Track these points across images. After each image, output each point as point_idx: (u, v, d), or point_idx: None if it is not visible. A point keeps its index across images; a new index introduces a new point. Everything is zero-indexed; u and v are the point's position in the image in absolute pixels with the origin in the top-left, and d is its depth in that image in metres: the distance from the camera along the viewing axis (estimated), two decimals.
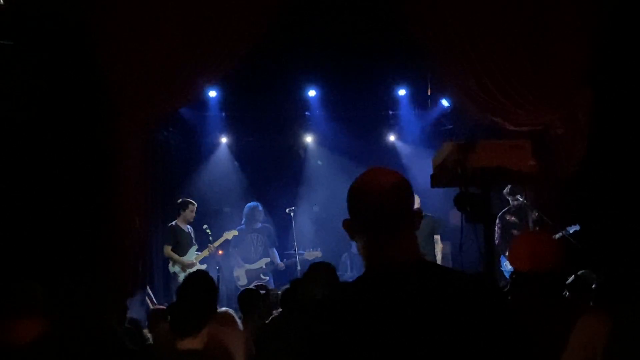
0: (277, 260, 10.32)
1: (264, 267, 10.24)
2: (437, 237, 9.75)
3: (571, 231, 8.01)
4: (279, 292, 6.36)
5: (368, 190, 2.17)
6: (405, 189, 2.20)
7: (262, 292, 6.58)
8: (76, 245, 7.49)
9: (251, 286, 9.40)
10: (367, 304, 1.99)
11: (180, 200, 10.01)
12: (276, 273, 10.38)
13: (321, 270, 4.39)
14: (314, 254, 10.13)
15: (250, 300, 6.17)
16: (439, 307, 1.94)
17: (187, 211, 9.88)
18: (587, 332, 2.94)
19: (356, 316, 1.98)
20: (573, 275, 5.06)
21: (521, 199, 8.92)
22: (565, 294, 4.55)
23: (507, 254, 8.45)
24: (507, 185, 8.67)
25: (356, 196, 2.19)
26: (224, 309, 5.14)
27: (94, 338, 3.88)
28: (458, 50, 8.80)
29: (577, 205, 8.21)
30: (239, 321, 5.08)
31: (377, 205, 2.12)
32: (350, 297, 2.07)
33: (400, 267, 2.06)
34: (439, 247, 9.75)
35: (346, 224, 2.22)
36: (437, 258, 9.72)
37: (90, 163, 7.88)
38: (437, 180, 3.76)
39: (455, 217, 9.05)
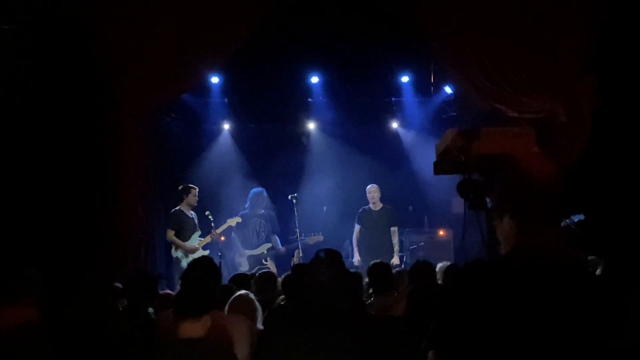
0: (279, 245, 10.35)
1: (266, 252, 10.25)
2: (395, 229, 10.17)
3: (575, 220, 7.99)
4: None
5: (536, 177, 2.27)
6: (560, 182, 2.31)
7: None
8: (78, 232, 7.48)
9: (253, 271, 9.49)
10: (516, 283, 2.08)
11: (181, 186, 10.00)
12: (277, 258, 10.39)
13: (328, 256, 4.37)
14: (315, 238, 10.18)
15: (263, 285, 6.15)
16: (568, 296, 2.06)
17: (190, 196, 9.88)
18: None
19: (505, 291, 2.06)
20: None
21: None
22: None
23: None
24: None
25: (524, 181, 2.28)
26: (243, 291, 5.12)
27: (94, 325, 3.87)
28: (461, 37, 8.76)
29: (581, 193, 8.18)
30: (258, 305, 5.05)
31: (545, 194, 2.23)
32: (498, 273, 2.15)
33: (542, 253, 2.17)
34: (395, 239, 10.17)
35: (494, 207, 2.33)
36: (395, 249, 10.10)
37: (91, 150, 7.87)
38: (440, 167, 3.74)
39: (458, 205, 9.05)
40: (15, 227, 6.88)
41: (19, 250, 6.51)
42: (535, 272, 2.09)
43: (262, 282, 6.21)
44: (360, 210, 10.41)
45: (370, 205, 10.36)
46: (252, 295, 5.10)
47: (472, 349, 2.03)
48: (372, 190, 10.35)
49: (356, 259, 10.19)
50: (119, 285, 5.66)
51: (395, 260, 9.98)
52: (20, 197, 7.13)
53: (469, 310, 2.06)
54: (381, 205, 10.34)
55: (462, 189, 3.28)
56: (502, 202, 2.30)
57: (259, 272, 6.64)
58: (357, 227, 10.37)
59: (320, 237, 10.23)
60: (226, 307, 4.89)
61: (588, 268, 2.19)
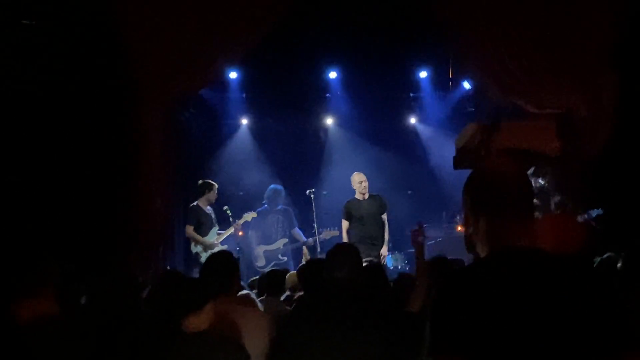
0: (303, 238, 10.27)
1: (282, 247, 10.26)
2: (384, 217, 9.77)
3: (594, 215, 7.95)
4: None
5: (498, 176, 2.29)
6: (526, 177, 2.33)
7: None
8: (98, 226, 7.52)
9: (268, 268, 9.50)
10: (497, 284, 2.08)
11: (202, 181, 10.01)
12: (296, 254, 10.37)
13: (345, 251, 4.37)
14: (331, 233, 10.12)
15: (274, 281, 6.16)
16: (559, 290, 2.06)
17: (212, 192, 9.89)
18: None
19: (488, 293, 2.06)
20: (598, 259, 5.01)
21: (543, 182, 8.84)
22: None
23: None
24: (530, 167, 8.61)
25: (485, 181, 2.30)
26: (244, 292, 5.14)
27: (113, 318, 3.89)
28: (480, 32, 8.71)
29: (601, 188, 8.13)
30: (259, 304, 5.07)
31: (507, 191, 2.24)
32: (481, 275, 2.14)
33: (523, 251, 2.17)
34: (386, 228, 9.76)
35: (469, 209, 2.31)
36: (385, 239, 9.74)
37: (112, 145, 7.91)
38: (460, 161, 3.75)
39: None
40: (36, 220, 6.93)
41: (39, 243, 6.55)
42: (520, 269, 2.09)
43: (264, 281, 6.20)
44: (345, 204, 9.87)
45: (358, 195, 9.82)
46: (252, 295, 5.12)
47: (477, 352, 2.03)
48: (365, 179, 9.82)
49: None
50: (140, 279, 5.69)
51: (384, 251, 9.64)
52: (42, 191, 7.18)
53: (465, 313, 2.04)
54: (368, 194, 9.83)
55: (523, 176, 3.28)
56: (476, 204, 2.29)
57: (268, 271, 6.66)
58: (344, 224, 9.80)
59: (336, 232, 10.14)
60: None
61: (576, 263, 2.18)
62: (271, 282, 6.09)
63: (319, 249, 9.92)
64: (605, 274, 2.19)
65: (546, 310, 2.03)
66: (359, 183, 9.80)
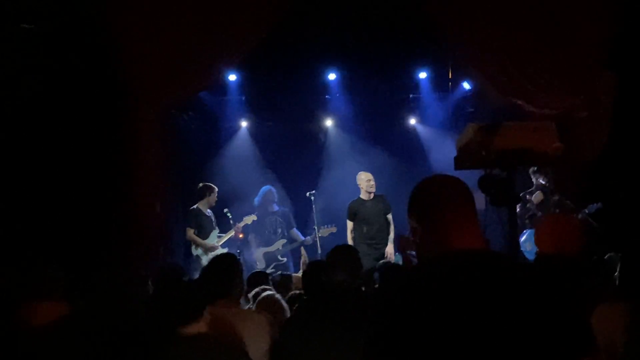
0: (301, 237, 10.27)
1: (281, 248, 10.25)
2: (390, 217, 9.73)
3: (593, 210, 7.96)
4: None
5: (434, 184, 2.39)
6: (463, 183, 2.39)
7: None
8: (97, 230, 7.51)
9: (268, 270, 9.50)
10: (439, 287, 2.05)
11: (203, 184, 10.01)
12: (295, 255, 10.35)
13: (344, 254, 4.37)
14: (329, 230, 10.12)
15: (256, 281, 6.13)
16: (505, 293, 2.02)
17: (212, 195, 9.91)
18: (603, 324, 2.90)
19: (430, 297, 2.04)
20: (597, 259, 5.01)
21: (543, 182, 8.85)
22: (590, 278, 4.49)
23: (526, 235, 8.45)
24: (531, 167, 8.61)
25: (423, 189, 2.38)
26: (270, 292, 5.11)
27: (115, 322, 3.88)
28: (479, 33, 8.71)
29: (600, 188, 8.14)
30: (284, 304, 5.04)
31: (446, 197, 2.30)
32: (419, 277, 2.15)
33: (466, 254, 2.18)
34: (392, 227, 9.72)
35: (413, 218, 2.37)
36: (390, 237, 9.68)
37: (110, 148, 7.90)
38: (460, 162, 3.73)
39: (478, 200, 8.99)
40: (33, 223, 6.92)
41: (37, 247, 6.55)
42: (460, 271, 2.08)
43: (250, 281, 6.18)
44: (350, 204, 9.83)
45: (363, 194, 9.79)
46: (278, 295, 5.10)
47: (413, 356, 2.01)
48: (372, 178, 9.80)
49: None
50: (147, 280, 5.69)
51: (389, 249, 9.61)
52: (40, 196, 7.17)
53: (399, 314, 2.03)
54: (373, 195, 9.79)
55: (483, 184, 3.27)
56: (419, 213, 2.34)
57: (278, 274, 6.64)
58: (349, 224, 9.78)
59: (334, 229, 10.15)
60: (253, 306, 4.90)
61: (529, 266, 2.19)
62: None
63: (319, 250, 9.90)
64: (556, 276, 2.15)
65: (488, 313, 1.98)
66: (367, 181, 9.75)
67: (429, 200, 2.32)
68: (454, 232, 2.23)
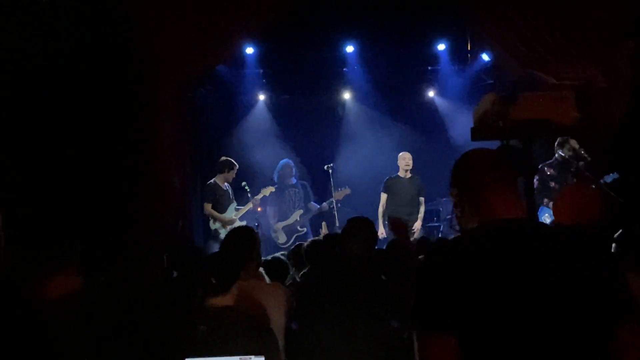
0: (316, 207, 10.35)
1: (299, 219, 10.26)
2: (422, 199, 10.08)
3: (610, 180, 7.90)
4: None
5: (475, 157, 2.46)
6: (503, 156, 2.48)
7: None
8: (116, 204, 7.55)
9: (290, 242, 9.54)
10: (488, 253, 2.12)
11: (224, 159, 9.97)
12: (313, 225, 10.37)
13: (360, 225, 4.37)
14: (343, 192, 10.14)
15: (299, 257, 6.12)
16: (547, 260, 2.09)
17: (232, 172, 9.88)
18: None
19: (480, 263, 2.10)
20: (621, 230, 4.96)
21: (564, 154, 8.77)
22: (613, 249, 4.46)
23: (545, 205, 8.40)
24: (547, 137, 8.55)
25: (464, 163, 2.45)
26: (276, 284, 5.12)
27: (134, 295, 3.91)
28: (499, 4, 8.65)
29: (619, 159, 8.08)
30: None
31: (487, 169, 2.37)
32: (470, 246, 2.20)
33: (508, 223, 2.24)
34: (422, 207, 10.07)
35: (455, 190, 2.45)
36: (420, 216, 9.98)
37: (128, 122, 7.92)
38: (477, 133, 3.68)
39: None
40: (54, 197, 6.97)
41: (59, 222, 6.59)
42: (505, 240, 2.14)
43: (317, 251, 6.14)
44: (387, 179, 10.17)
45: (401, 172, 10.11)
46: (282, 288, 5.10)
47: (471, 321, 2.03)
48: (407, 157, 10.11)
49: (381, 231, 9.62)
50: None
51: (417, 225, 9.83)
52: (59, 170, 7.21)
53: (448, 284, 2.07)
54: (410, 174, 10.13)
55: (500, 155, 3.23)
56: (460, 185, 2.42)
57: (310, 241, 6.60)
58: (384, 197, 10.12)
59: (348, 190, 10.18)
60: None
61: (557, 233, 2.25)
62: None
63: (337, 222, 9.91)
64: (599, 244, 2.18)
65: (535, 280, 2.04)
66: (402, 160, 10.12)
67: (470, 173, 2.38)
68: (495, 203, 2.28)
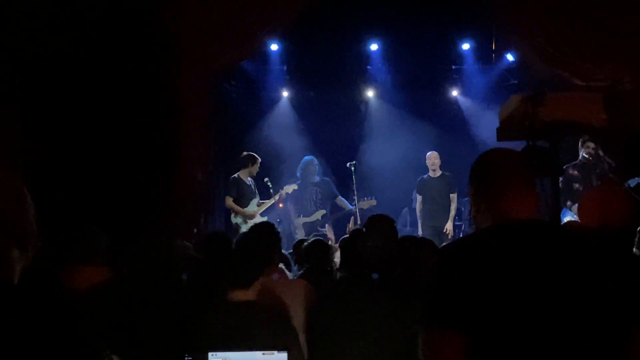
0: (349, 206, 10.28)
1: (320, 219, 10.26)
2: (454, 196, 10.15)
3: (633, 185, 7.84)
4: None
5: (494, 157, 2.44)
6: (523, 156, 2.47)
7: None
8: (140, 196, 7.60)
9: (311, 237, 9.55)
10: (500, 252, 2.13)
11: (247, 153, 9.99)
12: (337, 225, 10.39)
13: (380, 222, 4.38)
14: (368, 203, 10.12)
15: (314, 251, 6.17)
16: (561, 261, 2.09)
17: (255, 166, 9.87)
18: None
19: (492, 261, 2.12)
20: None
21: (587, 155, 8.70)
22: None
23: (567, 208, 8.36)
24: (574, 138, 8.52)
25: (483, 162, 2.44)
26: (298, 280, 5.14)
27: (158, 287, 3.94)
28: (525, 3, 8.60)
29: None
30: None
31: (504, 168, 2.37)
32: (483, 245, 2.21)
33: (522, 224, 2.24)
34: (453, 205, 10.16)
35: (472, 188, 2.45)
36: (451, 215, 10.10)
37: (154, 116, 7.96)
38: (503, 133, 3.69)
39: None
40: (81, 189, 7.02)
41: (83, 213, 6.65)
42: (521, 240, 2.15)
43: (316, 250, 6.22)
44: (418, 179, 10.35)
45: (430, 172, 10.25)
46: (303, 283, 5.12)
47: (481, 322, 2.04)
48: (432, 157, 10.23)
49: (420, 231, 10.12)
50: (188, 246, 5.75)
51: (448, 226, 10.00)
52: (86, 162, 7.27)
53: (462, 283, 2.08)
54: (440, 172, 10.23)
55: (527, 155, 3.23)
56: (477, 185, 2.41)
57: (313, 238, 6.65)
58: (419, 198, 10.36)
59: (374, 202, 10.15)
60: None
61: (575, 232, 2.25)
62: (315, 252, 6.11)
63: (358, 220, 9.92)
64: (617, 246, 2.18)
65: (546, 281, 2.04)
66: (427, 160, 10.29)
67: (488, 173, 2.38)
68: (511, 203, 2.28)
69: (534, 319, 2.01)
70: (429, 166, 10.24)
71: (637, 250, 4.58)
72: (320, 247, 5.47)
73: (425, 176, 10.32)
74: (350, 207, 10.21)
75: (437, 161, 10.21)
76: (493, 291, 2.04)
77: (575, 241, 2.17)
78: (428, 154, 10.31)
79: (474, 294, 2.04)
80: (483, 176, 2.40)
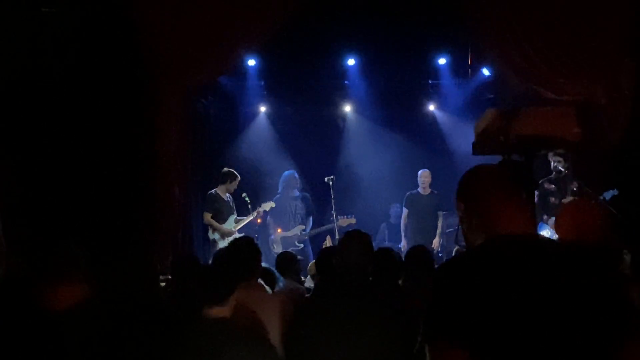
0: (309, 228, 10.43)
1: (299, 234, 10.27)
2: (441, 213, 10.49)
3: (609, 197, 7.90)
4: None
5: (486, 172, 2.44)
6: (510, 172, 2.51)
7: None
8: (116, 213, 7.56)
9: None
10: (496, 268, 2.13)
11: (227, 170, 9.98)
12: (314, 241, 10.41)
13: (356, 239, 4.38)
14: (347, 221, 10.16)
15: (286, 263, 6.22)
16: (552, 276, 2.09)
17: (233, 183, 9.88)
18: None
19: (487, 276, 2.11)
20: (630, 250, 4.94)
21: (562, 169, 8.78)
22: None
23: (544, 221, 8.41)
24: (549, 153, 8.58)
25: (471, 177, 2.45)
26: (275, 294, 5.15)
27: (135, 304, 3.91)
28: (500, 19, 8.68)
29: (620, 176, 8.08)
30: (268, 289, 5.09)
31: (493, 184, 2.38)
32: (479, 260, 2.20)
33: (513, 239, 2.23)
34: (440, 222, 10.49)
35: (461, 205, 2.44)
36: (438, 232, 10.45)
37: (130, 132, 7.94)
38: (478, 147, 3.72)
39: None
40: (55, 206, 6.98)
41: (58, 231, 6.60)
42: (513, 255, 2.14)
43: (282, 262, 6.27)
44: (408, 194, 10.56)
45: (420, 189, 10.52)
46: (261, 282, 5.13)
47: (473, 337, 2.05)
48: (425, 175, 10.53)
49: (403, 243, 10.36)
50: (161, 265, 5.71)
51: (435, 243, 10.29)
52: (61, 179, 7.23)
53: (458, 299, 2.08)
54: (429, 190, 10.52)
55: (504, 170, 3.25)
56: (467, 201, 2.41)
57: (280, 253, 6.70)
58: (405, 211, 10.57)
59: (353, 220, 10.20)
60: None
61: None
62: (279, 264, 6.18)
63: (337, 236, 9.93)
64: (605, 260, 2.20)
65: (542, 296, 2.04)
66: (420, 177, 10.60)
67: (478, 188, 2.39)
68: (503, 218, 2.29)
69: (529, 335, 2.01)
70: (420, 183, 10.51)
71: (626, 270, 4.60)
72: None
73: (414, 192, 10.57)
74: (329, 224, 10.25)
75: (429, 179, 10.52)
76: (490, 307, 2.03)
77: (568, 256, 2.17)
78: (420, 171, 10.60)
79: (472, 310, 2.04)
80: (473, 192, 2.40)
